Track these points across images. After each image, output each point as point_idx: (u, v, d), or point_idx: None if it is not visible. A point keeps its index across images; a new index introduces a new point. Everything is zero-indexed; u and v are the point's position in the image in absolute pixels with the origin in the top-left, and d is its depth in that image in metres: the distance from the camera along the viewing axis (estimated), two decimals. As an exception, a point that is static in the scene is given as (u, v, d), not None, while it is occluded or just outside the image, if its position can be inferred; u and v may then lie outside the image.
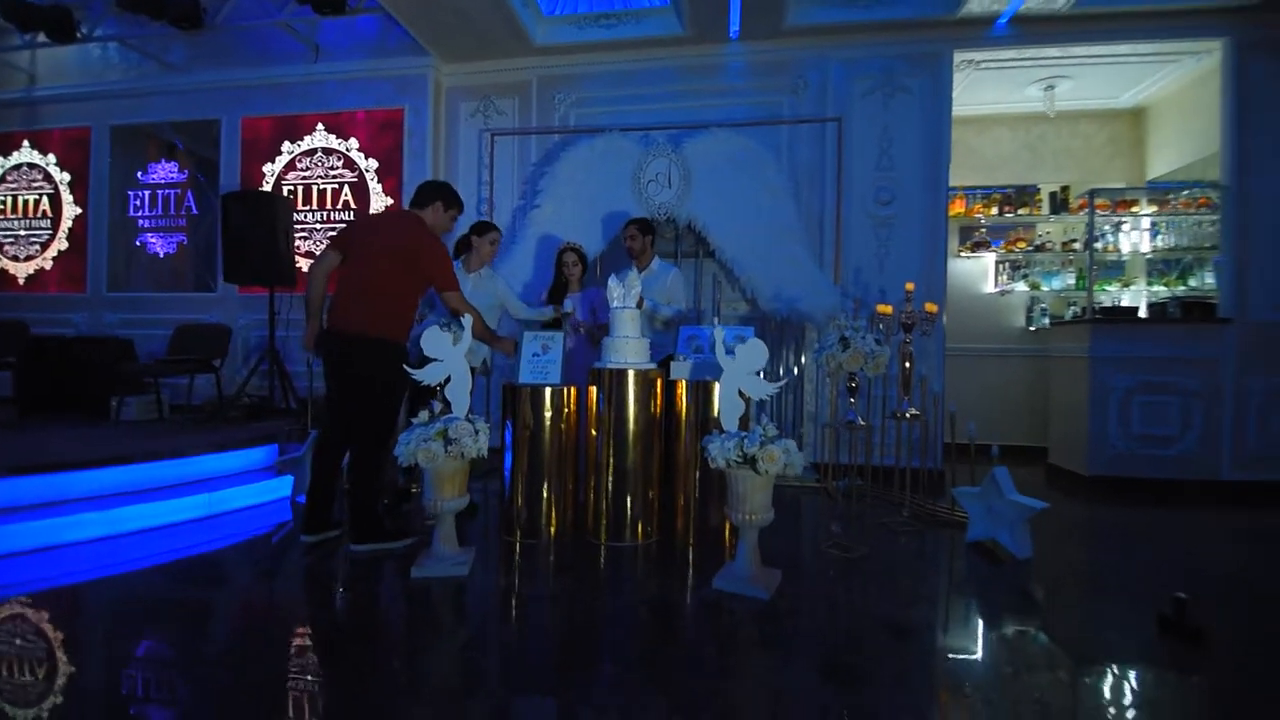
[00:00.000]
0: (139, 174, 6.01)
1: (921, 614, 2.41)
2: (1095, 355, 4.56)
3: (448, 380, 2.78)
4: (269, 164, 5.65)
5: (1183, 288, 5.13)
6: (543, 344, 3.30)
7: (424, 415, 2.69)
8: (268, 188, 5.62)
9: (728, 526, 3.14)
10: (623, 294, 3.26)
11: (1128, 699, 1.84)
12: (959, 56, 4.78)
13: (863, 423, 3.27)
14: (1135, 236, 5.30)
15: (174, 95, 5.84)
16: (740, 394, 2.68)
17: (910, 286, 3.62)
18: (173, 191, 5.93)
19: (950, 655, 2.08)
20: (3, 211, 6.24)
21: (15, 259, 6.21)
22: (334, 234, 3.81)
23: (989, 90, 5.43)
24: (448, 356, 2.79)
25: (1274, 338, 4.45)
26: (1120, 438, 4.53)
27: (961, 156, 5.74)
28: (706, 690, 1.80)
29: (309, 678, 1.86)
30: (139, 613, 2.36)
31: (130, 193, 6.01)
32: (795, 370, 4.86)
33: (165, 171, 5.94)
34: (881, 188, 4.80)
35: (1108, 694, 1.87)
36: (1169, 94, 5.34)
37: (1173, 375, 4.49)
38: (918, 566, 2.97)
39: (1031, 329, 5.83)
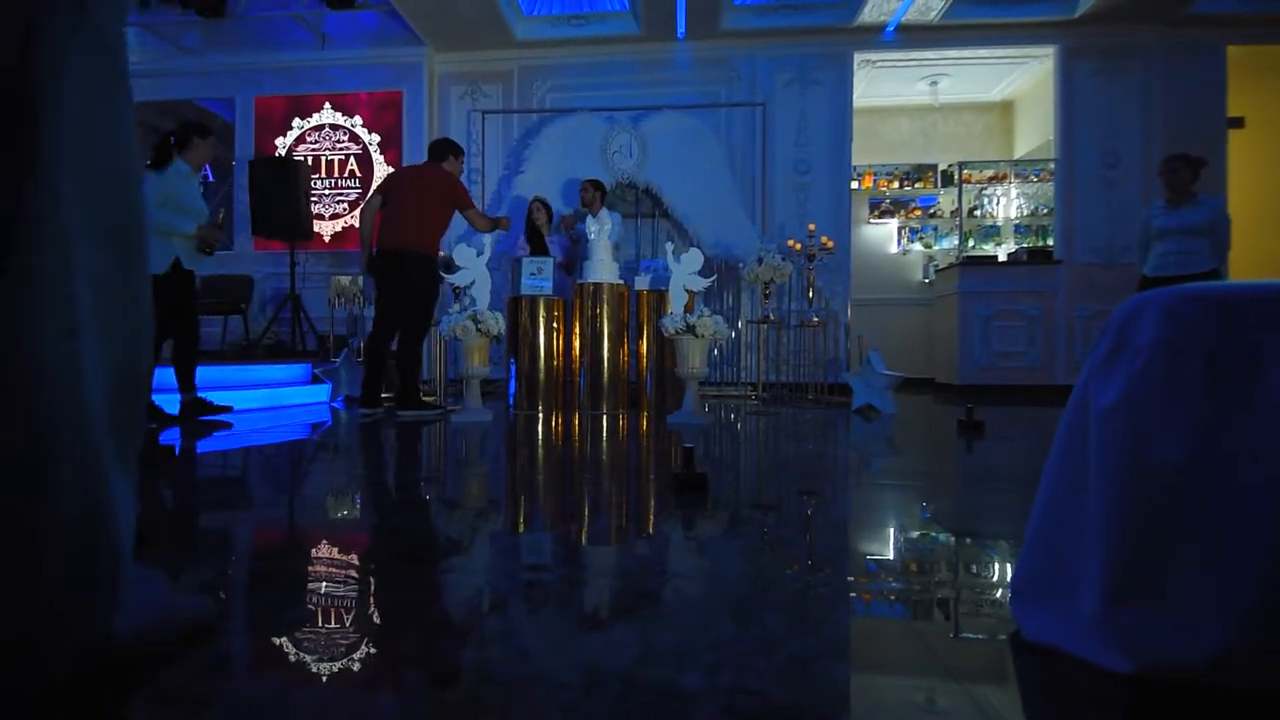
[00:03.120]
0: (157, 146, 6.72)
1: (807, 429, 3.55)
2: (963, 290, 5.85)
3: (473, 282, 3.79)
4: (280, 137, 6.48)
5: (1041, 244, 6.49)
6: (538, 266, 4.32)
7: (457, 306, 3.69)
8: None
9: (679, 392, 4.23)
10: (598, 229, 4.32)
11: (937, 456, 3.01)
12: (859, 57, 6.00)
13: (774, 318, 4.43)
14: (1005, 204, 6.65)
15: (192, 76, 6.60)
16: (685, 289, 3.77)
17: (812, 227, 4.79)
18: (190, 162, 6.67)
19: (832, 445, 3.22)
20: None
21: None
22: (378, 184, 4.61)
23: (887, 85, 6.69)
24: (472, 266, 3.79)
25: (1093, 275, 5.82)
26: (983, 354, 5.83)
27: (869, 140, 7.01)
28: (655, 447, 2.89)
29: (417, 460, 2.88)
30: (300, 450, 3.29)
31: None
32: (734, 314, 6.00)
33: (183, 144, 6.67)
34: (800, 159, 5.99)
35: (922, 454, 3.04)
36: (1026, 90, 6.71)
37: (1020, 305, 5.82)
38: (813, 418, 4.13)
39: (926, 281, 7.14)
